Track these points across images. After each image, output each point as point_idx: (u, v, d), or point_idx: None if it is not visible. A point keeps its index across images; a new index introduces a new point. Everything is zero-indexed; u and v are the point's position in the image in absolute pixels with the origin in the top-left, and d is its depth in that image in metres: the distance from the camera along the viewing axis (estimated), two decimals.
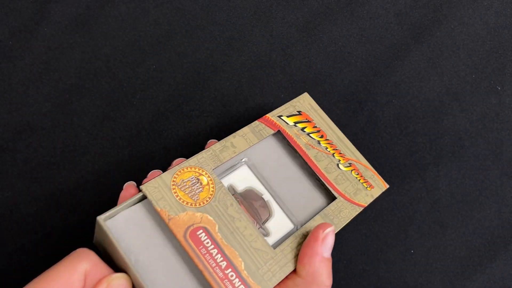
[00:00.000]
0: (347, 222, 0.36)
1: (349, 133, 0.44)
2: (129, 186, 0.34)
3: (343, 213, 0.37)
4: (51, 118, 0.44)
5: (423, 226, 0.45)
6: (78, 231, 0.44)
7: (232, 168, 0.37)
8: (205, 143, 0.44)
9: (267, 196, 0.37)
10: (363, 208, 0.37)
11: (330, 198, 0.38)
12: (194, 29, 0.45)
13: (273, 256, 0.33)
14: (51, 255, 0.44)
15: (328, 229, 0.34)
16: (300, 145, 0.38)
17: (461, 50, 0.45)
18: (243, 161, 0.37)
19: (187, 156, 0.45)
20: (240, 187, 0.36)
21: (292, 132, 0.39)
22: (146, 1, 0.45)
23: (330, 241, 0.34)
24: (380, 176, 0.39)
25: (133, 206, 0.33)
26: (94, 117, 0.44)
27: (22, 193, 0.43)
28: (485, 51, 0.45)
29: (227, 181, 0.36)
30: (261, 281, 0.32)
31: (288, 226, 0.36)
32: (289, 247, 0.34)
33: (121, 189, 0.44)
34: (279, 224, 0.36)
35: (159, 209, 0.32)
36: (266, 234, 0.35)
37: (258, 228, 0.34)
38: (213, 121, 0.44)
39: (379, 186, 0.39)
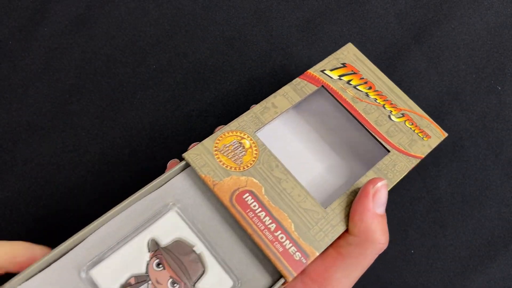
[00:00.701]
0: (403, 175, 0.34)
1: None
2: (173, 164, 0.34)
3: (398, 166, 0.34)
4: (51, 118, 0.44)
5: (423, 226, 0.45)
6: (78, 231, 0.44)
7: (156, 216, 0.31)
8: None
9: (199, 247, 0.30)
10: (420, 159, 0.35)
11: (383, 152, 0.35)
12: (194, 29, 0.45)
13: (324, 215, 0.32)
14: None
15: (379, 184, 0.32)
16: (347, 99, 0.36)
17: (461, 50, 0.45)
18: (168, 207, 0.31)
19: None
20: (166, 239, 0.30)
21: (337, 86, 0.36)
22: (146, 1, 0.45)
23: (381, 196, 0.32)
24: (437, 125, 0.37)
25: (177, 176, 0.32)
26: (94, 117, 0.44)
27: (22, 193, 0.43)
28: (486, 51, 0.45)
29: (148, 234, 0.30)
30: (312, 241, 0.30)
31: (226, 283, 0.29)
32: (340, 206, 0.32)
33: (121, 189, 0.44)
34: (216, 282, 0.29)
35: (203, 176, 0.31)
36: None
37: None
38: (213, 121, 0.44)
39: (437, 135, 0.36)
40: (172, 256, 0.29)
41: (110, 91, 0.44)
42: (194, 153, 0.32)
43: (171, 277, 0.29)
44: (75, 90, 0.44)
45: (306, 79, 0.36)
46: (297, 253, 0.30)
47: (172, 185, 0.32)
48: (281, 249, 0.30)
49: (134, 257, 0.29)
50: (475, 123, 0.45)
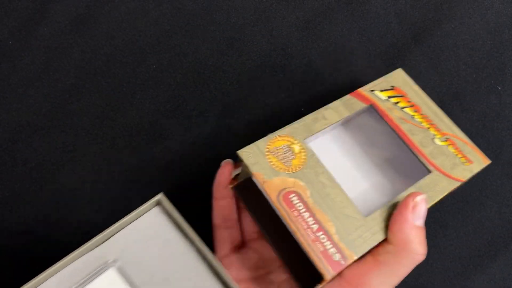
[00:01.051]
0: (444, 194, 0.35)
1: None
2: (227, 163, 0.36)
3: (439, 186, 0.36)
4: (51, 118, 0.44)
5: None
6: (78, 230, 0.43)
7: (92, 276, 0.31)
8: (205, 143, 0.44)
9: None
10: (461, 182, 0.36)
11: (426, 173, 0.36)
12: (194, 29, 0.45)
13: (364, 223, 0.33)
14: (51, 255, 0.44)
15: (419, 197, 0.33)
16: (393, 119, 0.38)
17: (462, 50, 0.45)
18: (109, 263, 0.31)
19: (188, 156, 0.45)
20: None
21: (385, 107, 0.38)
22: (146, 1, 0.45)
23: (421, 209, 0.33)
24: (480, 151, 0.38)
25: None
26: (94, 117, 0.44)
27: (22, 193, 0.43)
28: (486, 51, 0.45)
29: None
30: (352, 245, 0.32)
31: None
32: (380, 216, 0.34)
33: (120, 189, 0.44)
34: None
35: (254, 172, 0.33)
36: None
37: None
38: (213, 121, 0.44)
39: (479, 161, 0.37)
40: None
41: (110, 91, 0.44)
42: (247, 151, 0.34)
43: None
44: (75, 90, 0.44)
45: (356, 97, 0.38)
46: (337, 254, 0.31)
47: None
48: (321, 249, 0.31)
49: None
50: (475, 123, 0.45)
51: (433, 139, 0.37)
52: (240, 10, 0.45)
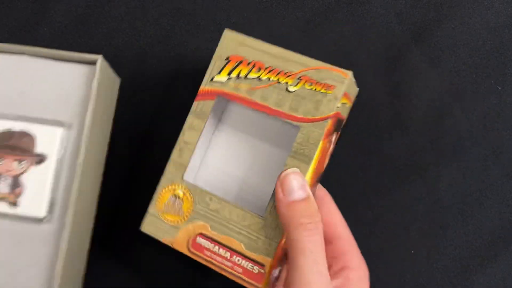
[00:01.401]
0: (319, 145, 0.33)
1: (348, 133, 0.44)
2: None
3: (311, 138, 0.33)
4: None
5: (423, 226, 0.45)
6: None
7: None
8: None
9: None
10: (329, 118, 0.33)
11: (297, 130, 0.34)
12: (194, 29, 0.45)
13: (264, 223, 0.33)
14: None
15: (283, 173, 0.32)
16: (242, 95, 0.35)
17: (462, 50, 0.45)
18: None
19: None
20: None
21: (230, 88, 0.36)
22: (146, 1, 0.45)
23: (288, 182, 0.31)
24: (337, 68, 0.34)
25: None
26: None
27: None
28: (486, 51, 0.45)
29: None
30: (263, 251, 0.33)
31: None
32: (274, 208, 0.33)
33: (120, 189, 0.44)
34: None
35: (163, 240, 0.35)
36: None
37: None
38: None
39: (340, 80, 0.34)
40: (2, 147, 0.31)
41: None
42: (148, 224, 0.35)
43: (14, 160, 0.31)
44: None
45: (201, 99, 0.36)
46: (255, 267, 0.33)
47: None
48: (241, 270, 0.33)
49: None
50: (475, 123, 0.45)
51: (286, 89, 0.35)
52: (240, 10, 0.45)
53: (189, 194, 0.35)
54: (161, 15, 0.45)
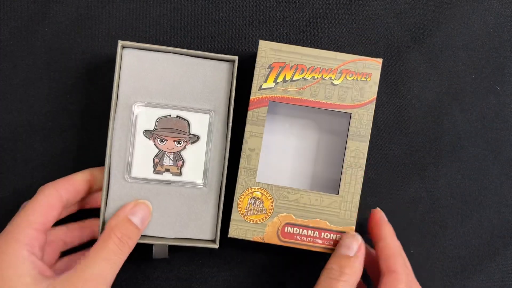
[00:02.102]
0: (371, 124, 0.39)
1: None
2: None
3: (364, 120, 0.40)
4: (52, 118, 0.44)
5: (422, 226, 0.45)
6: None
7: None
8: None
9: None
10: (374, 100, 0.39)
11: (349, 117, 0.40)
12: (194, 29, 0.45)
13: (341, 199, 0.39)
14: None
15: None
16: (293, 97, 0.39)
17: (461, 51, 0.46)
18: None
19: None
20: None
21: (279, 92, 0.39)
22: (146, 1, 0.45)
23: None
24: (369, 58, 0.40)
25: None
26: (95, 117, 0.44)
27: (22, 193, 0.43)
28: (485, 51, 0.46)
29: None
30: (346, 222, 0.39)
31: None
32: (345, 183, 0.39)
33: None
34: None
35: (253, 238, 0.39)
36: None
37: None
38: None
39: (375, 67, 0.40)
40: (165, 130, 0.40)
41: (110, 92, 0.44)
42: (234, 230, 0.39)
43: (174, 140, 0.40)
44: (76, 90, 0.44)
45: (255, 107, 0.40)
46: (337, 235, 0.39)
47: None
48: (331, 243, 0.39)
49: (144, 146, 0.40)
50: (474, 123, 0.45)
51: (332, 83, 0.39)
52: (240, 10, 0.45)
53: (267, 192, 0.39)
54: (161, 15, 0.45)
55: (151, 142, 0.40)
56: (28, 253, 0.34)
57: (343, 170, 0.39)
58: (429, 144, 0.45)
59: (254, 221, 0.39)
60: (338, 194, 0.39)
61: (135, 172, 0.39)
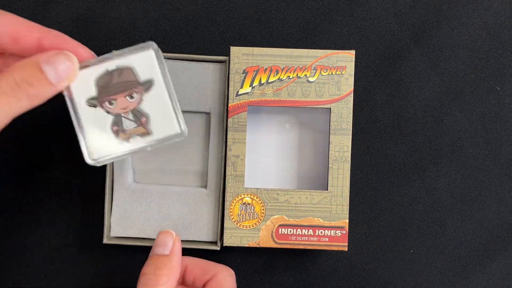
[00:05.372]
0: (351, 116, 0.40)
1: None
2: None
3: (344, 113, 0.40)
4: (52, 118, 0.44)
5: (422, 226, 0.45)
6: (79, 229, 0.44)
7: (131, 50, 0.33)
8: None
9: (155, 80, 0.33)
10: (351, 92, 0.40)
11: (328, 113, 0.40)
12: (194, 29, 0.45)
13: (331, 194, 0.40)
14: (52, 254, 0.44)
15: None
16: (270, 99, 0.40)
17: (461, 51, 0.46)
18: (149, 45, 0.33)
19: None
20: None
21: (256, 96, 0.40)
22: (146, 1, 0.45)
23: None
24: (342, 51, 0.40)
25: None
26: None
27: (22, 193, 0.43)
28: (485, 52, 0.46)
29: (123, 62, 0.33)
30: (339, 217, 0.40)
31: (173, 127, 0.33)
32: (332, 177, 0.40)
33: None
34: (163, 120, 0.33)
35: (248, 244, 0.39)
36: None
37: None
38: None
39: (348, 60, 0.40)
40: (110, 89, 0.32)
41: None
42: (229, 239, 0.40)
43: (125, 96, 0.33)
44: None
45: (234, 113, 0.40)
46: (337, 231, 0.40)
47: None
48: (326, 239, 0.40)
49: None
50: (474, 124, 0.45)
51: (307, 81, 0.40)
52: (240, 10, 0.45)
53: (256, 197, 0.40)
54: (161, 15, 0.45)
55: (100, 110, 0.32)
56: None
57: (329, 165, 0.40)
58: (429, 144, 0.45)
59: (247, 226, 0.40)
60: (327, 190, 0.40)
61: (97, 152, 0.32)
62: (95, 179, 0.43)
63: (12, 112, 0.30)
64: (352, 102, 0.40)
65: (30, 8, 0.44)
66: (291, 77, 0.39)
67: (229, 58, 0.40)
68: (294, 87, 0.40)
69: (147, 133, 0.33)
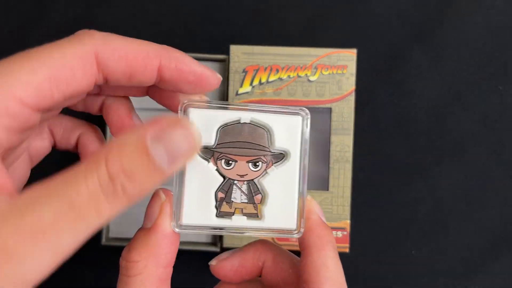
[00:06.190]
0: (353, 115, 0.39)
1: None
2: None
3: (345, 112, 0.39)
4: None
5: (424, 226, 0.45)
6: None
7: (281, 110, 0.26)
8: None
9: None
10: (353, 91, 0.39)
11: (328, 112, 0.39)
12: (193, 29, 0.45)
13: (332, 194, 0.39)
14: None
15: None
16: (270, 98, 0.39)
17: (463, 50, 0.45)
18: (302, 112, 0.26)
19: None
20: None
21: (257, 96, 0.39)
22: (146, 1, 0.45)
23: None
24: (343, 50, 0.39)
25: None
26: (95, 117, 0.44)
27: None
28: (487, 51, 0.45)
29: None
30: (340, 216, 0.39)
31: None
32: (332, 177, 0.39)
33: None
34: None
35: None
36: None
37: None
38: None
39: (350, 59, 0.39)
40: (234, 145, 0.25)
41: None
42: (229, 239, 0.39)
43: (247, 161, 0.25)
44: None
45: None
46: (338, 232, 0.39)
47: None
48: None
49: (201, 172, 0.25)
50: (476, 123, 0.45)
51: (308, 80, 0.39)
52: (240, 10, 0.45)
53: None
54: (161, 15, 0.45)
55: (211, 166, 0.25)
56: None
57: (330, 165, 0.39)
58: (431, 144, 0.45)
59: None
60: (328, 190, 0.39)
61: (187, 218, 0.24)
62: None
63: (94, 226, 0.20)
64: (353, 101, 0.39)
65: (29, 7, 0.44)
66: (291, 76, 0.39)
67: (229, 57, 0.39)
68: (294, 87, 0.39)
69: (256, 216, 0.25)
